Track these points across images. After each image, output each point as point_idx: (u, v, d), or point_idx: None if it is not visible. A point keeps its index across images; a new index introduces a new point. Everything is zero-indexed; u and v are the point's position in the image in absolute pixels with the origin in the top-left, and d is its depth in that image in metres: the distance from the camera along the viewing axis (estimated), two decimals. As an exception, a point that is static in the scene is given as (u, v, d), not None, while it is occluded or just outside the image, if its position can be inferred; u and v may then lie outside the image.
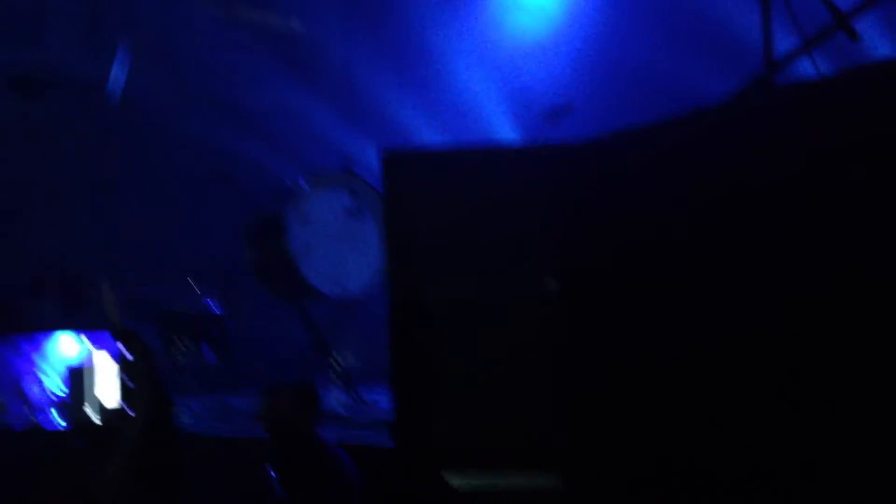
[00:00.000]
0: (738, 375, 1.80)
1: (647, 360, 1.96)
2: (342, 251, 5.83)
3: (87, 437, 1.02)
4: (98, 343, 0.98)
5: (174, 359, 6.97)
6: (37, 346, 0.97)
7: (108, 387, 1.02)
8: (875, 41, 5.69)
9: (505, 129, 8.14)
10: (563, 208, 2.23)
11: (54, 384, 0.94)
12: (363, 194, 5.85)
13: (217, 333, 7.31)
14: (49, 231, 10.20)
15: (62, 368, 0.94)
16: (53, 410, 0.93)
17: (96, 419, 1.00)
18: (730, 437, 1.78)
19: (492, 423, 2.57)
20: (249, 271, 6.77)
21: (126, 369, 0.99)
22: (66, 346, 0.99)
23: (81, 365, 0.94)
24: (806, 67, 2.76)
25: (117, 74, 8.80)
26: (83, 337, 0.97)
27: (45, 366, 0.98)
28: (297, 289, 5.80)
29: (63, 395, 0.96)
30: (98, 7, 11.68)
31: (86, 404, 1.01)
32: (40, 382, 0.92)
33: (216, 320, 7.39)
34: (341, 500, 2.05)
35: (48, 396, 0.94)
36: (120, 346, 1.01)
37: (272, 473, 2.90)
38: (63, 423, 0.92)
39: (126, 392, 0.99)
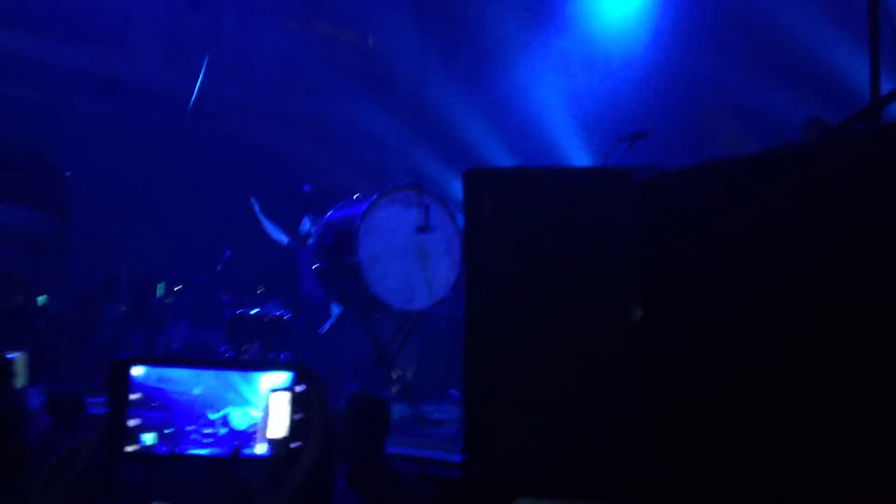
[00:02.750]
0: (832, 413, 1.75)
1: (735, 391, 1.93)
2: (409, 265, 5.84)
3: (255, 466, 1.04)
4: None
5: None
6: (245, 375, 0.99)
7: (279, 417, 1.04)
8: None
9: (579, 154, 8.10)
10: (650, 234, 2.20)
11: (247, 413, 0.97)
12: (431, 210, 5.87)
13: (281, 337, 7.42)
14: (125, 232, 10.50)
15: (258, 397, 0.96)
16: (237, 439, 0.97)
17: (265, 448, 1.01)
18: (821, 471, 1.73)
19: (567, 449, 2.54)
20: (317, 280, 6.86)
21: (298, 401, 1.01)
22: (265, 378, 1.01)
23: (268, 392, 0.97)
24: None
25: (196, 85, 9.06)
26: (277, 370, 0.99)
27: (246, 393, 1.01)
28: (363, 300, 5.83)
29: (255, 423, 0.98)
30: (180, 21, 12.05)
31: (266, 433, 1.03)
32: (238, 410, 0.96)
33: (281, 324, 7.51)
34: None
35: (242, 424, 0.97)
36: (292, 377, 1.03)
37: (336, 486, 2.90)
38: (250, 451, 0.94)
39: (296, 424, 1.00)
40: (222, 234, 9.34)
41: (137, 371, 1.03)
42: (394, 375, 6.21)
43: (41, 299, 11.24)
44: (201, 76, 8.81)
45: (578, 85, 8.50)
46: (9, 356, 2.42)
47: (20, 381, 2.40)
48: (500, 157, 8.70)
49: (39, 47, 11.52)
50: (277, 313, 7.66)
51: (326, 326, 7.42)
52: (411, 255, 5.84)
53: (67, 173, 11.02)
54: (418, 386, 7.25)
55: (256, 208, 7.81)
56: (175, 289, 9.50)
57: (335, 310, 7.25)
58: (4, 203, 11.53)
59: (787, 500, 1.84)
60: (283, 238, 7.81)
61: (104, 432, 0.99)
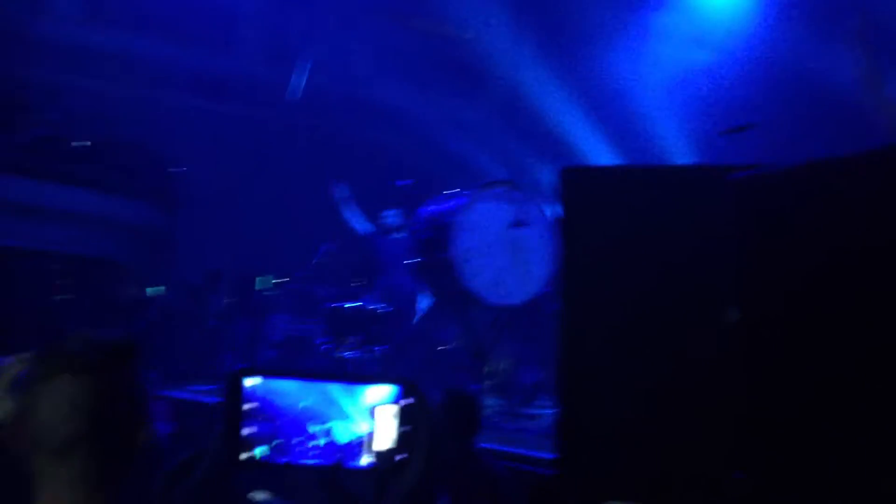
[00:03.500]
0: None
1: (835, 395, 1.86)
2: (503, 261, 5.86)
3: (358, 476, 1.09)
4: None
5: (340, 352, 7.27)
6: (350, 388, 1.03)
7: (386, 430, 1.08)
8: None
9: (682, 151, 7.91)
10: (746, 234, 2.14)
11: (349, 427, 1.00)
12: (526, 206, 5.86)
13: (379, 331, 7.54)
14: (228, 226, 10.87)
15: (360, 412, 1.00)
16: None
17: (369, 461, 1.05)
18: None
19: (658, 452, 2.50)
20: (407, 273, 6.94)
21: (405, 414, 1.05)
22: (371, 391, 1.05)
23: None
24: None
25: (296, 81, 9.28)
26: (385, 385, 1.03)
27: (348, 409, 1.04)
28: (458, 295, 5.88)
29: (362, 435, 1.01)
30: (281, 18, 12.36)
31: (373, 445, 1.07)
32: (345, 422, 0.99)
33: (378, 317, 7.63)
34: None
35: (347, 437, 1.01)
36: (398, 391, 1.07)
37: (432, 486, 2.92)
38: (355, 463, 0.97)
39: (402, 436, 1.05)
40: (321, 227, 9.53)
41: (250, 382, 1.08)
42: (487, 370, 6.23)
43: (151, 290, 11.75)
44: (302, 72, 9.01)
45: (680, 73, 8.29)
46: None
47: None
48: (597, 150, 8.59)
49: (148, 47, 12.03)
50: (374, 306, 7.78)
51: (416, 319, 7.48)
52: (506, 251, 5.85)
53: (178, 169, 11.48)
54: (511, 381, 7.25)
55: (342, 194, 7.88)
56: (275, 282, 9.77)
57: (423, 302, 7.31)
58: (118, 197, 12.10)
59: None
60: (365, 227, 7.90)
61: (221, 441, 1.04)
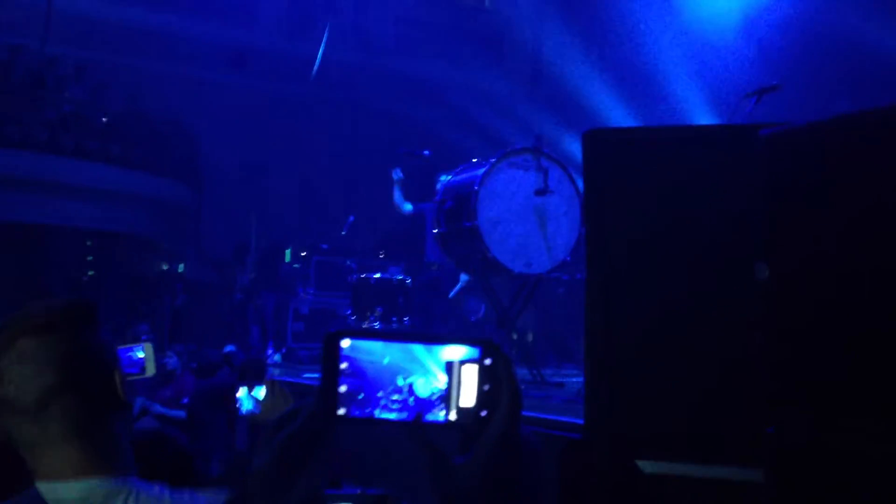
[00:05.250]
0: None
1: (862, 352, 1.85)
2: (528, 228, 5.82)
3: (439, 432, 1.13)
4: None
5: (364, 323, 7.32)
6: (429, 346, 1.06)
7: (469, 388, 1.12)
8: None
9: (704, 113, 7.80)
10: (777, 191, 2.12)
11: (430, 382, 1.02)
12: (550, 172, 5.81)
13: (403, 301, 7.58)
14: (254, 200, 10.94)
15: (440, 367, 1.02)
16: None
17: (447, 415, 1.09)
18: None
19: (689, 412, 2.50)
20: (434, 244, 6.95)
21: (486, 373, 1.09)
22: (449, 349, 1.08)
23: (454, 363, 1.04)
24: None
25: (318, 53, 9.26)
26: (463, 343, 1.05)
27: (428, 364, 1.06)
28: (483, 263, 5.87)
29: (440, 391, 1.04)
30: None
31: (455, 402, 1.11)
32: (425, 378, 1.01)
33: (404, 289, 7.66)
34: (529, 482, 2.05)
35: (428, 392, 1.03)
36: (479, 351, 1.10)
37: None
38: (435, 417, 1.00)
39: (484, 394, 1.09)
40: (346, 199, 9.57)
41: (345, 343, 1.14)
42: (513, 338, 6.23)
43: (181, 267, 11.86)
44: (323, 44, 8.98)
45: (703, 39, 8.16)
46: (136, 346, 2.56)
47: (150, 369, 2.54)
48: (621, 117, 8.50)
49: (174, 22, 12.05)
50: (399, 278, 7.81)
51: (455, 291, 7.50)
52: (530, 219, 5.81)
53: (205, 145, 11.53)
54: (538, 349, 7.25)
55: (398, 176, 7.85)
56: (301, 254, 9.83)
57: (463, 276, 7.33)
58: (147, 173, 12.20)
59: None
60: (408, 207, 7.89)
61: (319, 397, 1.11)
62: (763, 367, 2.07)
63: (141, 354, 2.55)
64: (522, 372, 5.66)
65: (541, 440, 2.80)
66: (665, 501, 2.49)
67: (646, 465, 2.49)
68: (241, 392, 2.78)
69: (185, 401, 6.91)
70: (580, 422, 2.81)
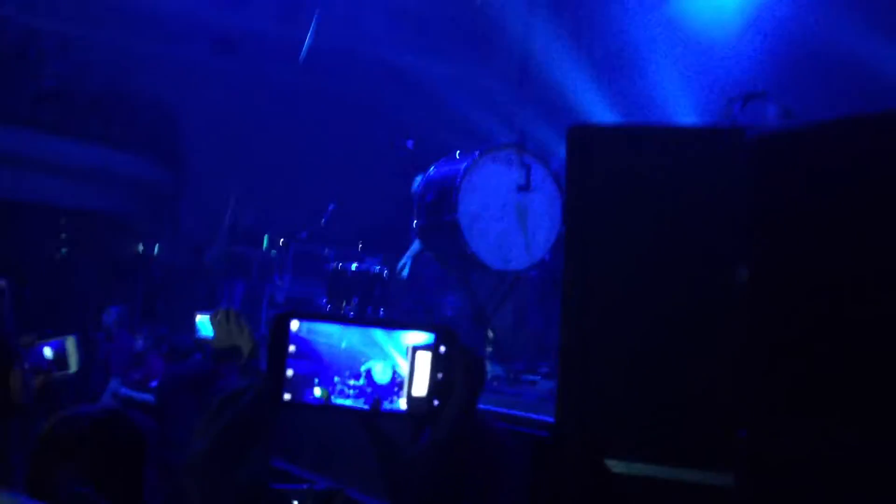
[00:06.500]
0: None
1: (842, 355, 1.83)
2: (508, 225, 5.80)
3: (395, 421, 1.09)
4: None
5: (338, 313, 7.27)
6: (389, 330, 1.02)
7: (422, 377, 1.08)
8: None
9: (691, 116, 7.79)
10: (761, 194, 2.10)
11: (388, 367, 0.99)
12: (533, 169, 5.79)
13: (379, 292, 7.53)
14: (233, 184, 10.83)
15: (400, 352, 0.98)
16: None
17: (405, 404, 1.05)
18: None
19: (662, 413, 2.47)
20: (414, 236, 6.90)
21: (441, 361, 1.04)
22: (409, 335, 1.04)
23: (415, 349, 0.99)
24: None
25: (307, 39, 9.18)
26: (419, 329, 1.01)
27: (388, 349, 1.03)
28: (461, 258, 5.84)
29: (399, 377, 1.00)
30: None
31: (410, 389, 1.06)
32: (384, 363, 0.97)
33: (379, 280, 7.61)
34: (500, 479, 2.02)
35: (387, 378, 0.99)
36: (434, 338, 1.06)
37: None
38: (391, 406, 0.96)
39: (438, 384, 1.05)
40: (326, 188, 9.48)
41: (294, 325, 1.08)
42: (489, 335, 6.21)
43: (157, 248, 11.70)
44: (311, 30, 8.90)
45: (691, 39, 8.15)
46: (58, 340, 2.48)
47: (73, 365, 2.46)
48: (607, 118, 8.49)
49: (161, 1, 11.88)
50: (377, 269, 7.76)
51: (403, 262, 7.31)
52: (511, 215, 5.79)
53: (184, 124, 11.37)
54: (512, 347, 7.23)
55: (408, 149, 7.62)
56: (280, 242, 9.74)
57: (413, 247, 7.14)
58: (126, 152, 12.03)
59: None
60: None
61: (265, 379, 1.04)
62: (738, 371, 2.05)
63: (50, 353, 2.44)
64: (495, 369, 5.64)
65: (512, 437, 2.75)
66: (633, 502, 2.47)
67: (615, 465, 2.47)
68: (200, 318, 2.71)
69: (154, 384, 6.83)
70: (552, 420, 2.78)
